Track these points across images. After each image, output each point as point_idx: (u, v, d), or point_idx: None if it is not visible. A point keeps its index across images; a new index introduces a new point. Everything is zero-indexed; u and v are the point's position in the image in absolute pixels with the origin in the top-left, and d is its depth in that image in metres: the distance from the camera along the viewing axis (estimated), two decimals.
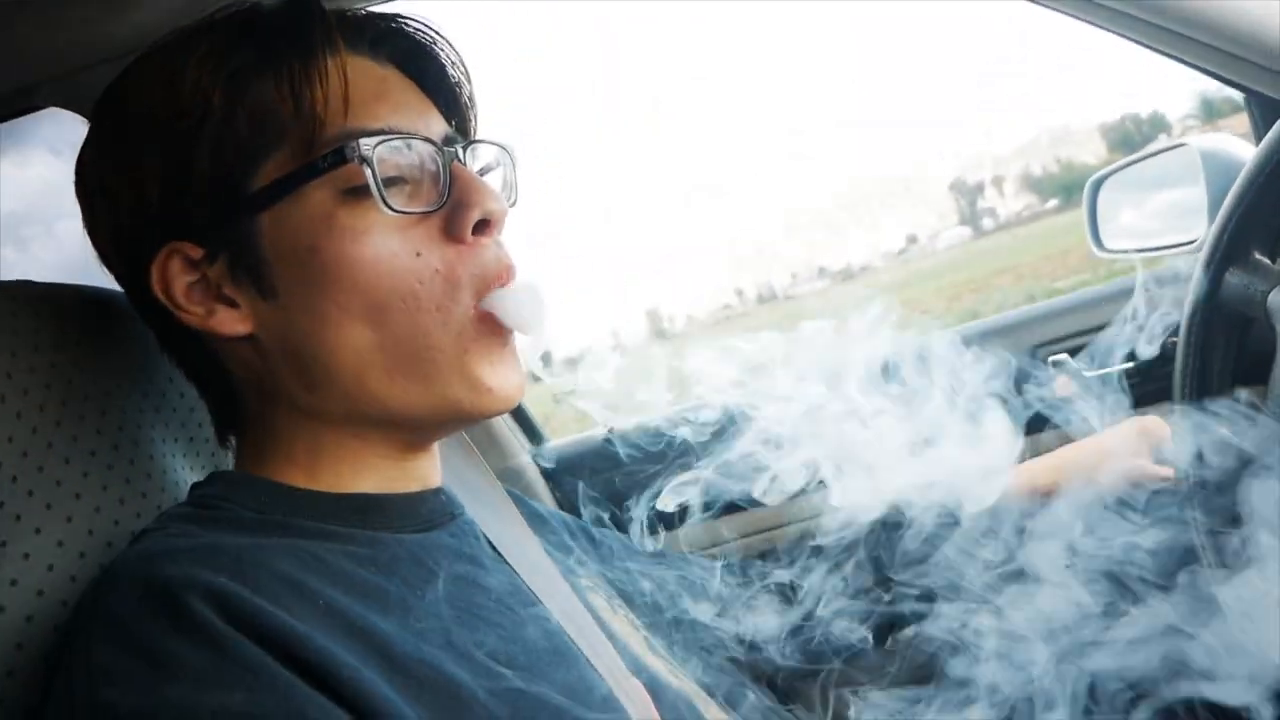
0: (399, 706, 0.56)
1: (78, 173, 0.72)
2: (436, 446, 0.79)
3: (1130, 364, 1.39)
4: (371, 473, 0.73)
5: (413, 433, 0.73)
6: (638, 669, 0.78)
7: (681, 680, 0.84)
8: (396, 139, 0.65)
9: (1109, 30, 1.14)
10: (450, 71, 0.75)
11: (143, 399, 0.81)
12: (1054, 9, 1.12)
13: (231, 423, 0.76)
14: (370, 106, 0.66)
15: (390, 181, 0.65)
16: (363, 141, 0.63)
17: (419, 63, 0.74)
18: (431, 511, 0.75)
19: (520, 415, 1.65)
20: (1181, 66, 1.15)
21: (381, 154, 0.64)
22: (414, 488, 0.75)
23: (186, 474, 0.84)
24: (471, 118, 0.78)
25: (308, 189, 0.64)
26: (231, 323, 0.67)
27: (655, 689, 0.76)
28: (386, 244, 0.64)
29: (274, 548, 0.63)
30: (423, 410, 0.68)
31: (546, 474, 1.61)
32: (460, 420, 0.71)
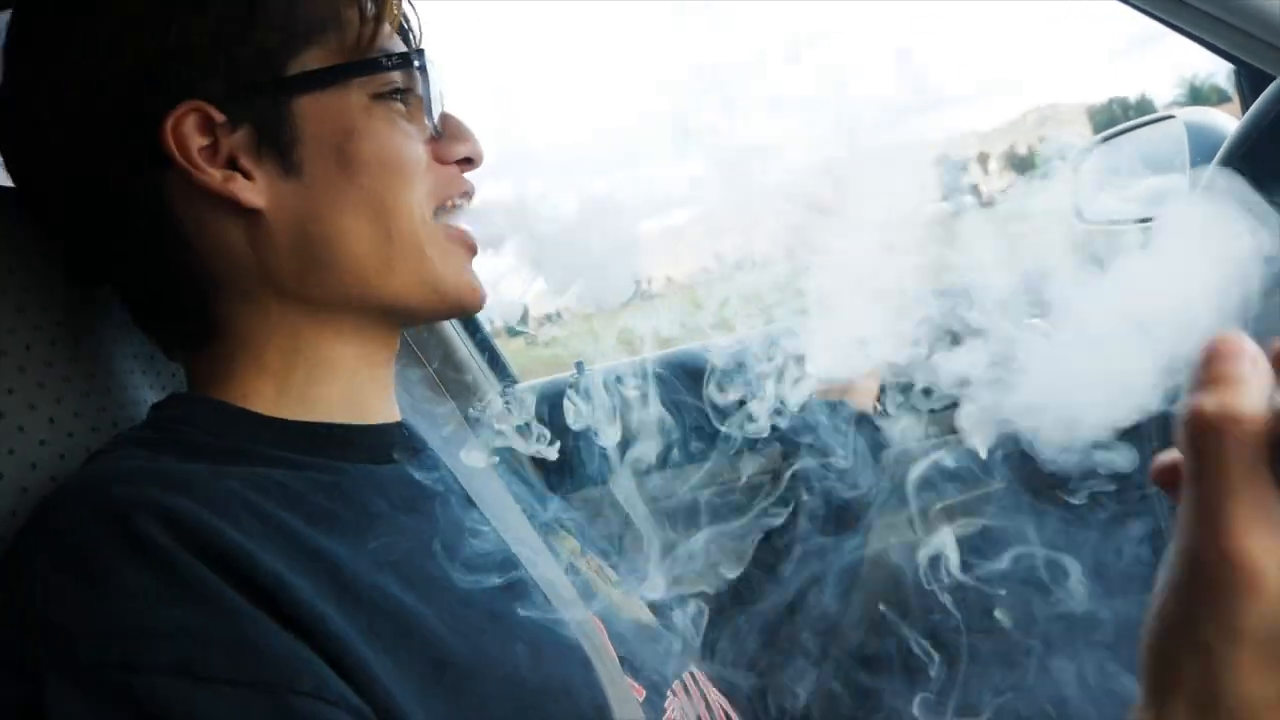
0: (348, 631, 0.56)
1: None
2: (392, 380, 0.79)
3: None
4: (339, 386, 0.72)
5: (389, 325, 0.75)
6: (591, 598, 0.80)
7: (638, 609, 0.87)
8: (421, 64, 0.71)
9: None
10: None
11: (104, 314, 0.79)
12: None
13: (192, 334, 0.73)
14: (390, 31, 0.72)
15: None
16: (406, 55, 0.69)
17: None
18: (391, 444, 0.74)
19: (492, 357, 1.65)
20: (1174, 33, 1.15)
21: (407, 75, 0.71)
22: (374, 419, 0.74)
23: (146, 392, 0.82)
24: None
25: (349, 85, 0.68)
26: (250, 193, 0.67)
27: (607, 618, 0.79)
28: (414, 148, 0.70)
29: (230, 474, 0.62)
30: (411, 299, 0.72)
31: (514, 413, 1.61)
32: (436, 311, 0.76)
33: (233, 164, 0.66)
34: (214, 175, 0.65)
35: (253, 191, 0.66)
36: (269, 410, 0.69)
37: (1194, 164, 1.22)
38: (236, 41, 0.65)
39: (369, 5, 0.69)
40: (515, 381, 1.69)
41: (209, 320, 0.71)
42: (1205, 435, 0.37)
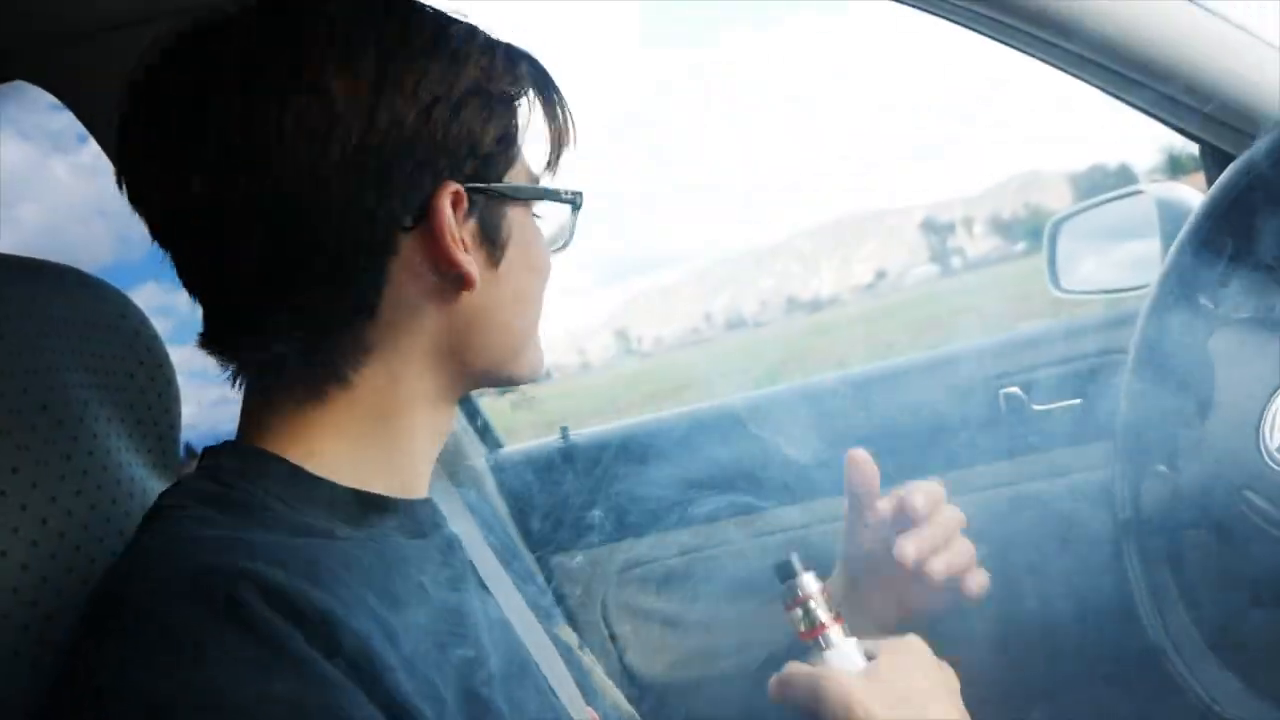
0: (422, 707, 0.57)
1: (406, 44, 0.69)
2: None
3: (1078, 400, 1.42)
4: (403, 457, 0.73)
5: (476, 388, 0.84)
6: (595, 699, 0.81)
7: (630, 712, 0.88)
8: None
9: (1074, 76, 1.18)
10: None
11: (89, 375, 0.80)
12: (1024, 51, 1.15)
13: (305, 381, 0.70)
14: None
15: None
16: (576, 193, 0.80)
17: None
18: (424, 520, 0.75)
19: (476, 419, 1.66)
20: (1142, 116, 1.19)
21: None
22: (414, 494, 0.75)
23: (133, 456, 0.83)
24: None
25: (529, 202, 0.77)
26: (471, 267, 0.70)
27: (604, 713, 0.81)
28: (550, 263, 0.81)
29: (311, 543, 0.63)
30: (514, 375, 0.79)
31: (500, 479, 1.62)
32: (514, 381, 0.81)
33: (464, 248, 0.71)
34: (465, 249, 0.70)
35: (473, 269, 0.70)
36: (329, 473, 0.69)
37: (1164, 238, 1.25)
38: (493, 139, 0.72)
39: (561, 145, 0.78)
40: (500, 445, 1.70)
41: (341, 380, 0.70)
42: None
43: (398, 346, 0.71)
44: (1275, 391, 0.84)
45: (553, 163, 0.79)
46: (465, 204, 0.70)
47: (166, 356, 0.90)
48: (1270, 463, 0.83)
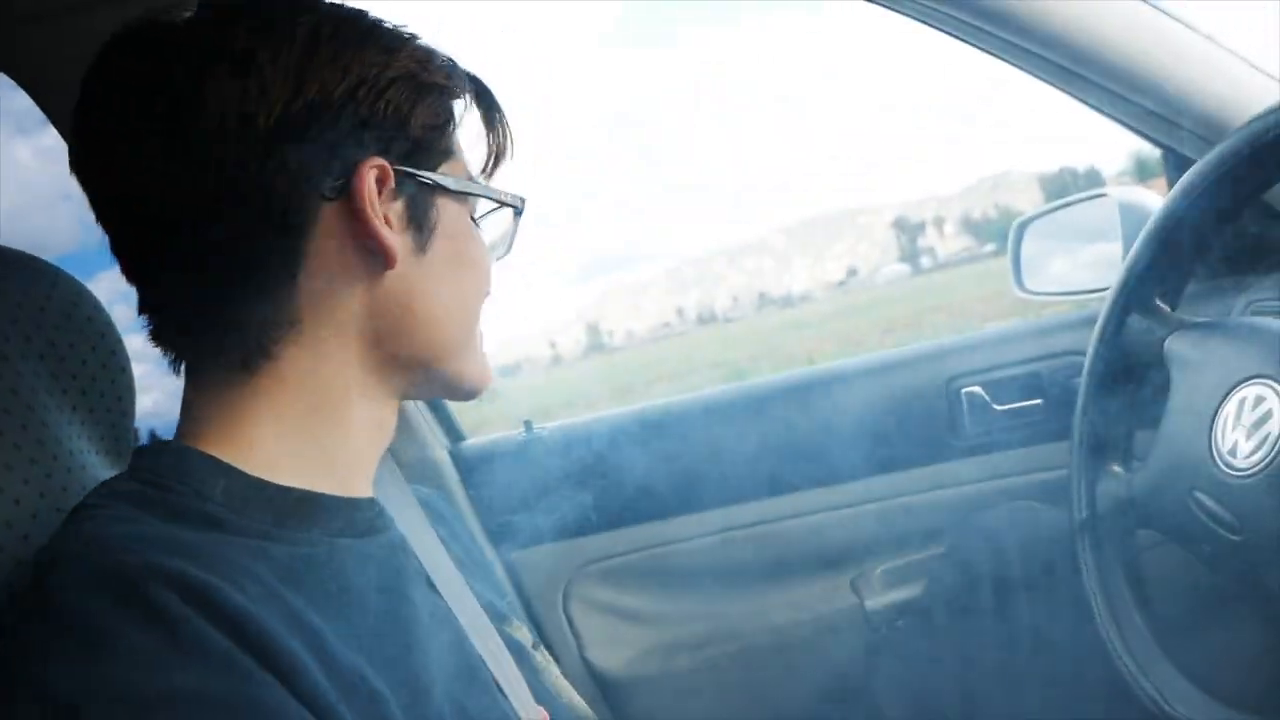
0: (339, 707, 0.56)
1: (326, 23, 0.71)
2: (379, 458, 0.79)
3: (1038, 400, 1.44)
4: (341, 453, 0.73)
5: (404, 396, 0.80)
6: (549, 700, 0.80)
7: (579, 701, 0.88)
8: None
9: (1043, 80, 1.19)
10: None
11: (39, 362, 0.79)
12: (996, 56, 1.16)
13: (238, 361, 0.70)
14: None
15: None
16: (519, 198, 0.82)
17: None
18: (365, 520, 0.74)
19: (439, 411, 1.65)
20: (1106, 120, 1.21)
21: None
22: (356, 492, 0.74)
23: (84, 444, 0.82)
24: None
25: (467, 199, 0.78)
26: (402, 251, 0.71)
27: (555, 711, 0.80)
28: (487, 268, 0.81)
29: (231, 541, 0.62)
30: (451, 379, 0.79)
31: (463, 472, 1.61)
32: (455, 394, 0.83)
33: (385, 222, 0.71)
34: (388, 224, 0.70)
35: (400, 252, 0.71)
36: (262, 471, 0.68)
37: (1125, 241, 1.27)
38: (429, 123, 0.73)
39: (500, 155, 0.80)
40: (463, 438, 1.69)
41: (266, 353, 0.69)
42: None
43: (320, 321, 0.70)
44: (1227, 395, 0.86)
45: (489, 169, 0.80)
46: (392, 182, 0.70)
47: (120, 344, 0.88)
48: (1221, 465, 0.84)
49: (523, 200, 0.82)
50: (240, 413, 0.70)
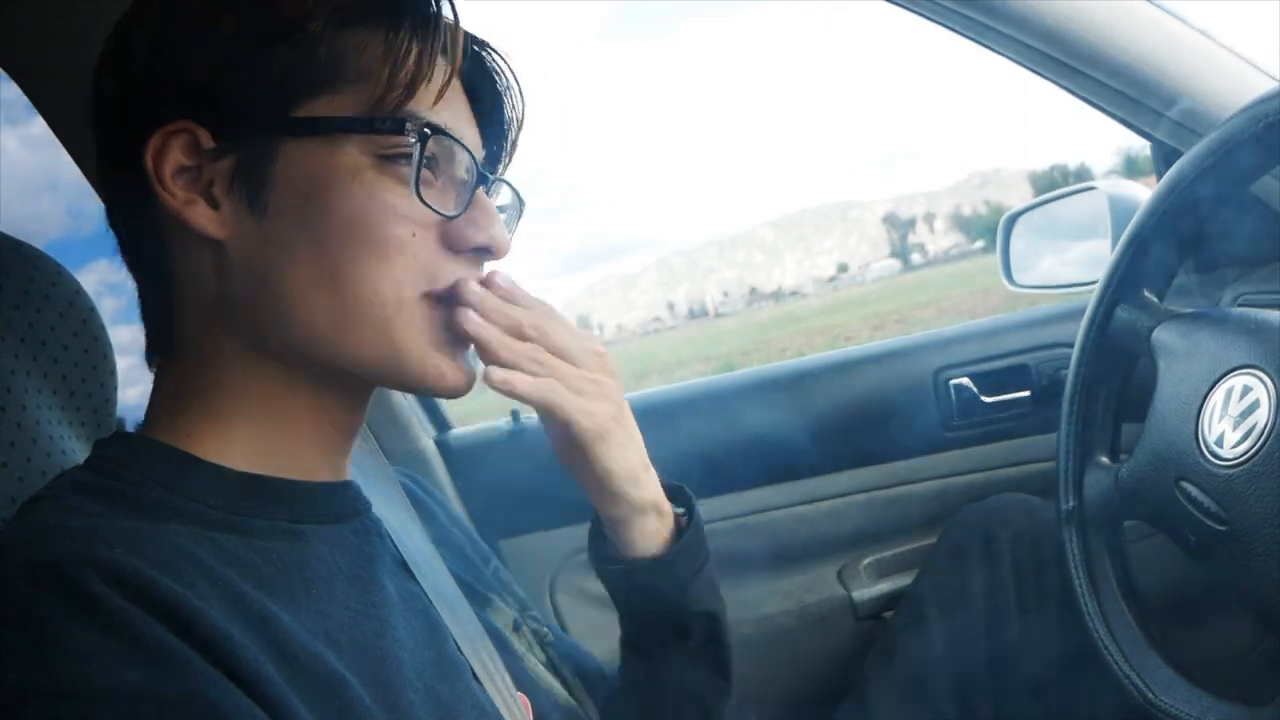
0: (291, 698, 0.54)
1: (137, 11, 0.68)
2: (353, 440, 0.76)
3: (1025, 392, 1.44)
4: (288, 441, 0.70)
5: (350, 386, 0.72)
6: (527, 685, 0.79)
7: (580, 699, 0.86)
8: (449, 139, 0.67)
9: (1033, 71, 1.19)
10: (507, 112, 0.77)
11: (19, 345, 0.78)
12: (989, 48, 1.16)
13: (158, 344, 0.71)
14: (434, 102, 0.67)
15: (424, 169, 0.67)
16: (425, 124, 0.65)
17: (483, 91, 0.75)
18: (338, 504, 0.72)
19: (425, 399, 1.64)
20: (1094, 111, 1.21)
21: (432, 146, 0.66)
22: (325, 477, 0.72)
23: (64, 429, 0.81)
24: (505, 161, 0.80)
25: (348, 139, 0.64)
26: (206, 220, 0.65)
27: (546, 707, 0.79)
28: (394, 223, 0.65)
29: (177, 530, 0.60)
30: (366, 367, 0.68)
31: (449, 461, 1.60)
32: (399, 385, 0.72)
33: (210, 191, 0.65)
34: (176, 196, 0.64)
35: (211, 221, 0.65)
36: (214, 457, 0.67)
37: (1114, 234, 1.27)
38: (246, 69, 0.64)
39: (404, 68, 0.65)
40: (450, 428, 1.68)
41: (173, 342, 0.69)
42: None
43: (186, 305, 0.68)
44: (1214, 385, 0.86)
45: (397, 97, 0.66)
46: (204, 142, 0.64)
47: (103, 329, 0.87)
48: (1208, 455, 0.84)
49: (427, 125, 0.66)
50: (183, 401, 0.69)
